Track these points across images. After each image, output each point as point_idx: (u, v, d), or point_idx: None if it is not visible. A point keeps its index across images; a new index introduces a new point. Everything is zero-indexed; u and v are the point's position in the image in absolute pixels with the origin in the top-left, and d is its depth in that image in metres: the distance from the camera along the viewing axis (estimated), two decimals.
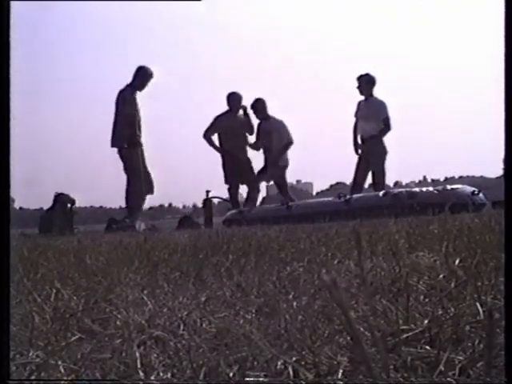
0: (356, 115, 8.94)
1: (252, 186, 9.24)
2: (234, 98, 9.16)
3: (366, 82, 8.73)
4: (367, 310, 1.07)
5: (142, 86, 8.38)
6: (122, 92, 8.31)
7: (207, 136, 9.11)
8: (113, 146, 8.30)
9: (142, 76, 8.35)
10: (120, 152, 8.28)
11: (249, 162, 9.26)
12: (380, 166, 8.70)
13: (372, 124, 8.65)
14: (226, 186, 9.17)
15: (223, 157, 9.11)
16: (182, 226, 8.09)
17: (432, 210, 4.23)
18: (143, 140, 8.48)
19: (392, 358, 0.80)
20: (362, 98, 8.85)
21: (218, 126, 9.07)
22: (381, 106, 8.71)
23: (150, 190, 8.49)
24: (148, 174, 8.45)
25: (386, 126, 8.70)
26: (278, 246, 2.46)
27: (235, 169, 9.02)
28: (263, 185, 9.70)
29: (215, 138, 9.19)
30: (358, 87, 8.74)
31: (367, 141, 8.71)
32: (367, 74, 8.79)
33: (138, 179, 8.27)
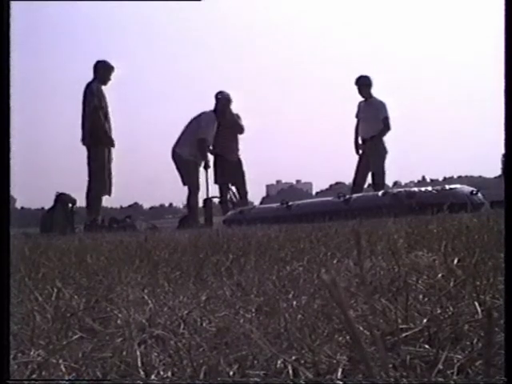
0: (357, 116, 8.97)
1: (242, 187, 9.19)
2: (222, 98, 9.06)
3: (363, 84, 8.77)
4: (366, 309, 1.07)
5: (104, 81, 8.16)
6: (89, 85, 8.07)
7: None
8: (84, 143, 8.11)
9: (103, 70, 8.13)
10: (87, 149, 8.07)
11: (239, 162, 9.21)
12: (380, 167, 8.72)
13: (372, 124, 8.68)
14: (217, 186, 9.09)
15: (214, 157, 9.06)
16: (182, 225, 8.09)
17: (431, 210, 4.23)
18: (114, 139, 8.28)
19: (391, 356, 0.81)
20: (362, 99, 8.89)
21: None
22: (380, 106, 8.75)
23: (109, 192, 8.27)
24: (110, 175, 8.24)
25: (385, 126, 8.73)
26: (277, 245, 2.47)
27: (225, 170, 8.96)
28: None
29: None
30: (358, 90, 8.79)
31: (367, 141, 8.73)
32: (363, 76, 8.83)
33: (102, 178, 8.07)
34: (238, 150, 9.18)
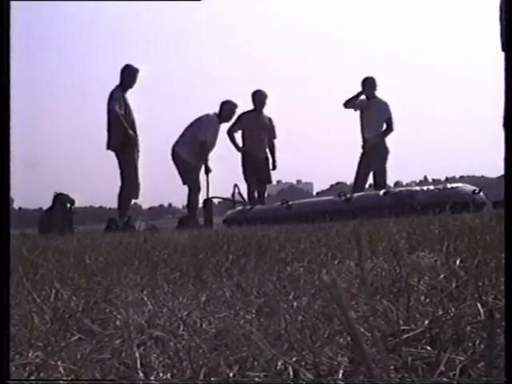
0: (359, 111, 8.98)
1: (265, 185, 9.24)
2: (259, 96, 9.10)
3: (369, 85, 8.80)
4: (367, 311, 1.07)
5: (131, 84, 8.35)
6: (112, 93, 8.26)
7: (231, 133, 9.01)
8: (108, 148, 8.22)
9: (129, 73, 8.32)
10: (116, 154, 8.24)
11: (267, 161, 9.22)
12: (382, 166, 8.73)
13: (375, 124, 8.70)
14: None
15: (243, 155, 9.08)
16: (182, 225, 8.08)
17: (433, 209, 4.22)
18: (140, 142, 8.40)
19: (392, 358, 0.80)
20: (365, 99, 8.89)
21: (243, 123, 8.98)
22: (384, 107, 8.77)
23: (136, 195, 8.39)
24: (137, 178, 8.36)
25: (388, 127, 8.77)
26: (278, 245, 2.46)
27: (254, 167, 8.97)
28: None
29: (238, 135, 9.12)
30: (362, 90, 8.80)
31: (369, 141, 8.74)
32: (370, 78, 8.86)
33: (131, 181, 8.19)
34: (265, 148, 9.21)
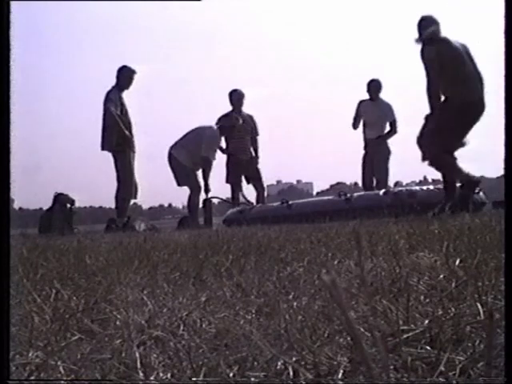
0: (357, 114, 8.97)
1: (258, 184, 9.18)
2: (236, 96, 9.04)
3: (374, 87, 8.82)
4: (367, 311, 1.06)
5: (127, 85, 8.29)
6: (108, 93, 8.20)
7: None
8: (103, 149, 8.16)
9: (126, 74, 8.25)
10: (112, 154, 8.20)
11: (252, 161, 9.17)
12: (384, 167, 8.75)
13: (378, 125, 8.72)
14: (227, 186, 9.07)
15: (228, 157, 9.04)
16: (182, 225, 8.07)
17: (433, 209, 4.22)
18: (136, 142, 8.34)
19: (392, 358, 0.80)
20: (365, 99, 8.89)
21: (223, 126, 8.93)
22: (387, 109, 8.79)
23: (135, 195, 8.36)
24: (134, 178, 8.32)
25: (392, 129, 8.80)
26: (278, 245, 2.46)
27: (238, 169, 8.94)
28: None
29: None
30: (368, 92, 8.82)
31: (371, 142, 8.75)
32: (375, 80, 8.89)
33: (127, 182, 8.15)
34: (250, 149, 9.13)
